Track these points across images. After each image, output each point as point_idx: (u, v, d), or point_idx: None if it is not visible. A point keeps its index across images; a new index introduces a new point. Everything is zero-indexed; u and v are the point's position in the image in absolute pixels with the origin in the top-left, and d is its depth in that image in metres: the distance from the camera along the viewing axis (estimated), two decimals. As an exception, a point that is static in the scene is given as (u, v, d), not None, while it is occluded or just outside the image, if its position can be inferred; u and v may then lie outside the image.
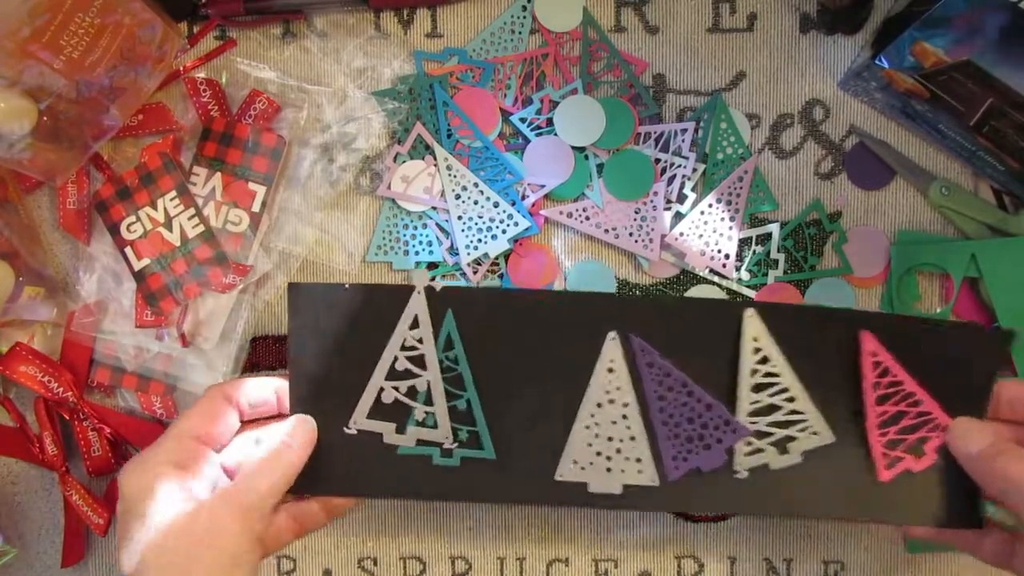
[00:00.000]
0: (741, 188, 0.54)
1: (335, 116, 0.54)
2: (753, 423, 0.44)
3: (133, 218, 0.52)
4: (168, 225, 0.52)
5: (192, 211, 0.52)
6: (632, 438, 0.45)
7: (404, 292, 0.45)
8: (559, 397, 0.45)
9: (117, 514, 0.40)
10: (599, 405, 0.45)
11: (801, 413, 0.45)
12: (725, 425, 0.44)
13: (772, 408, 0.45)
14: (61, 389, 0.53)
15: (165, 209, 0.52)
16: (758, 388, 0.44)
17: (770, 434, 0.45)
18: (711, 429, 0.44)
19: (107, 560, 0.57)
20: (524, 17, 0.55)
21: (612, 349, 0.45)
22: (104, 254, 0.54)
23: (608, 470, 0.45)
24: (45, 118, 0.48)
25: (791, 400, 0.44)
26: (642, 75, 0.55)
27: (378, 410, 0.45)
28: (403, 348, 0.45)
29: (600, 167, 0.55)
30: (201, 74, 0.54)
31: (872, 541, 0.55)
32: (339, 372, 0.46)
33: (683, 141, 0.54)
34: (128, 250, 0.53)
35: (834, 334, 0.45)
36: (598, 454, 0.45)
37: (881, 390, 0.44)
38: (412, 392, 0.45)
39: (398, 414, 0.45)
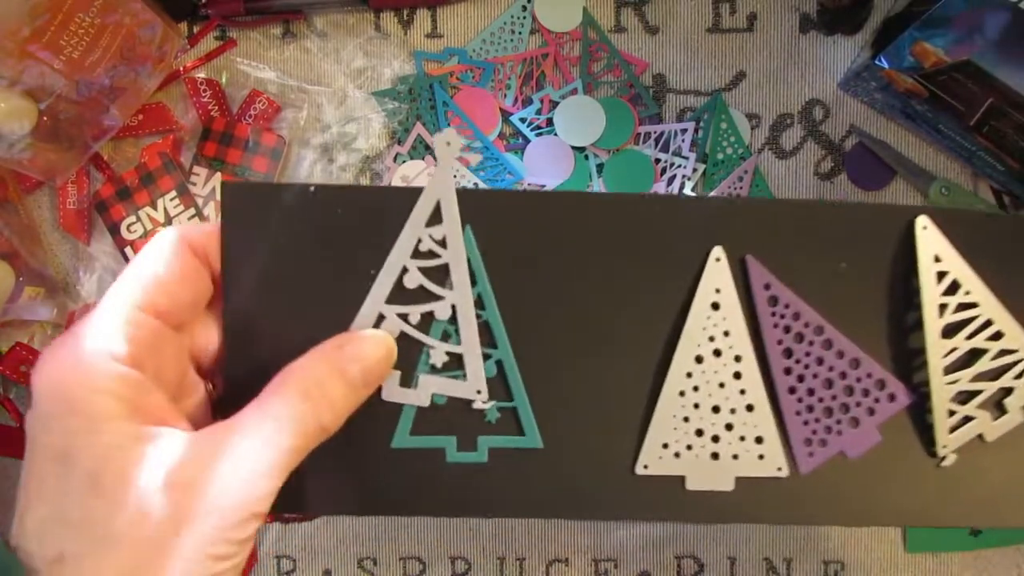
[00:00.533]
0: (741, 188, 0.54)
1: (335, 116, 0.54)
2: (952, 382, 0.32)
3: (133, 218, 0.52)
4: (168, 225, 0.52)
5: (192, 211, 0.52)
6: (749, 407, 0.32)
7: (404, 195, 0.31)
8: (635, 350, 0.32)
9: (26, 429, 0.27)
10: (699, 359, 0.32)
11: (1014, 352, 0.32)
12: (879, 388, 0.32)
13: (974, 355, 0.32)
14: (61, 389, 0.53)
15: (165, 209, 0.52)
16: (951, 330, 0.32)
17: (976, 393, 0.32)
18: (859, 396, 0.32)
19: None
20: (524, 17, 0.55)
21: (718, 275, 0.32)
22: (104, 254, 0.54)
23: (715, 456, 0.32)
24: (45, 118, 0.48)
25: (997, 337, 0.32)
26: (642, 75, 0.55)
27: None
28: (416, 255, 0.31)
29: (600, 167, 0.55)
30: (201, 74, 0.54)
31: (872, 541, 0.55)
32: (299, 315, 0.31)
33: (683, 141, 0.54)
34: (128, 250, 0.53)
35: None
36: (699, 433, 0.32)
37: None
38: (426, 322, 0.31)
39: (403, 357, 0.31)
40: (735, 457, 0.32)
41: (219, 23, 0.55)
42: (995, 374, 0.32)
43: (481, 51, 0.55)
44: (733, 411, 0.32)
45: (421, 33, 0.55)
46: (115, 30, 0.47)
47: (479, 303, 0.32)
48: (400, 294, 0.31)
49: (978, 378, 0.32)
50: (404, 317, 0.32)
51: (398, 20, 0.55)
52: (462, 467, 0.32)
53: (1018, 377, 0.32)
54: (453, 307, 0.31)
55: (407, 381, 0.32)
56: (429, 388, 0.32)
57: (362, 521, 0.56)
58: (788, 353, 0.32)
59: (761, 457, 0.32)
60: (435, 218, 0.31)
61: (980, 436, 0.32)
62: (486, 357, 0.32)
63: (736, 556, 0.55)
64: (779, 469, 0.32)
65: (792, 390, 0.32)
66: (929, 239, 0.32)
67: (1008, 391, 0.33)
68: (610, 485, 0.32)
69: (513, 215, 0.32)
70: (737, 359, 0.32)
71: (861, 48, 0.54)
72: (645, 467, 0.32)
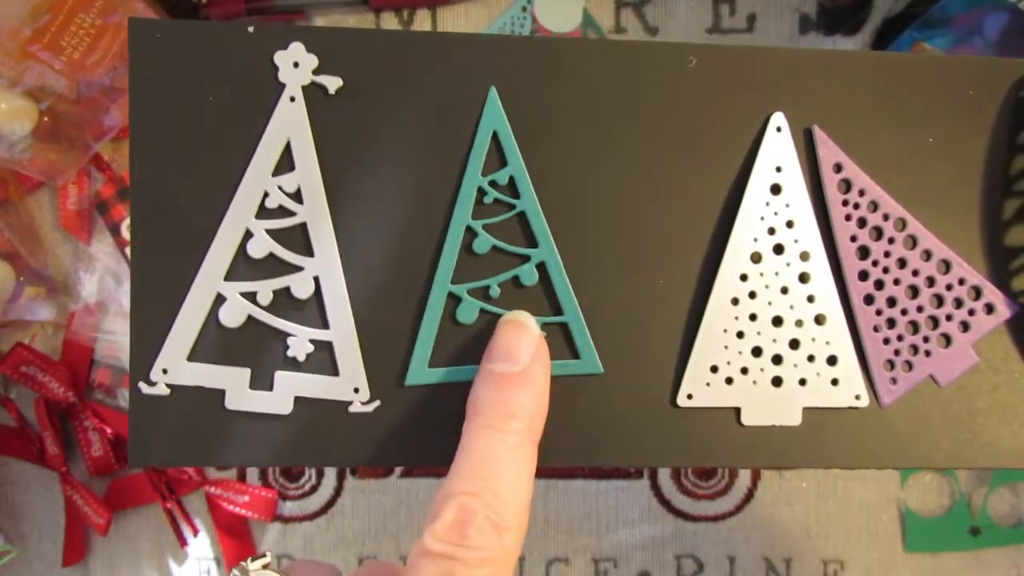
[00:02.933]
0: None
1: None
2: None
3: (134, 218, 0.52)
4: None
5: (192, 211, 0.52)
6: (819, 319, 0.25)
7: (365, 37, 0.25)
8: (679, 247, 0.26)
9: None
10: (755, 258, 0.25)
11: None
12: (973, 297, 0.26)
13: None
14: (62, 389, 0.53)
15: (165, 209, 0.52)
16: None
17: None
18: (950, 307, 0.25)
19: (108, 560, 0.57)
20: (524, 17, 0.55)
21: (779, 149, 0.25)
22: (105, 254, 0.54)
23: (776, 382, 0.25)
24: (46, 118, 0.48)
25: None
26: (642, 75, 0.55)
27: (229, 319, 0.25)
28: (263, 213, 0.25)
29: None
30: (201, 75, 0.54)
31: (872, 541, 0.55)
32: (215, 187, 0.25)
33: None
34: (129, 250, 0.53)
35: None
36: (756, 352, 0.25)
37: None
38: (281, 303, 0.25)
39: (252, 351, 0.25)
40: (802, 383, 0.25)
41: (219, 23, 0.55)
42: None
43: (481, 51, 0.55)
44: (799, 323, 0.25)
45: (421, 33, 0.55)
46: (116, 31, 0.47)
47: (512, 189, 0.26)
48: (244, 266, 0.25)
49: None
50: (251, 297, 0.25)
51: (398, 20, 0.55)
52: None
53: None
54: (316, 280, 0.25)
55: (260, 381, 0.25)
56: (289, 390, 0.25)
57: (362, 521, 0.56)
58: (863, 253, 0.25)
59: (835, 383, 0.25)
60: (285, 164, 0.25)
61: None
62: (523, 260, 0.26)
63: (736, 556, 0.55)
64: (857, 398, 0.25)
65: (869, 299, 0.25)
66: None
67: None
68: (646, 421, 0.26)
69: (541, 69, 0.26)
70: (804, 257, 0.25)
71: (860, 49, 0.54)
72: (689, 397, 0.26)
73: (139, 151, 0.26)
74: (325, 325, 0.25)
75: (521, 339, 0.25)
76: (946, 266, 0.26)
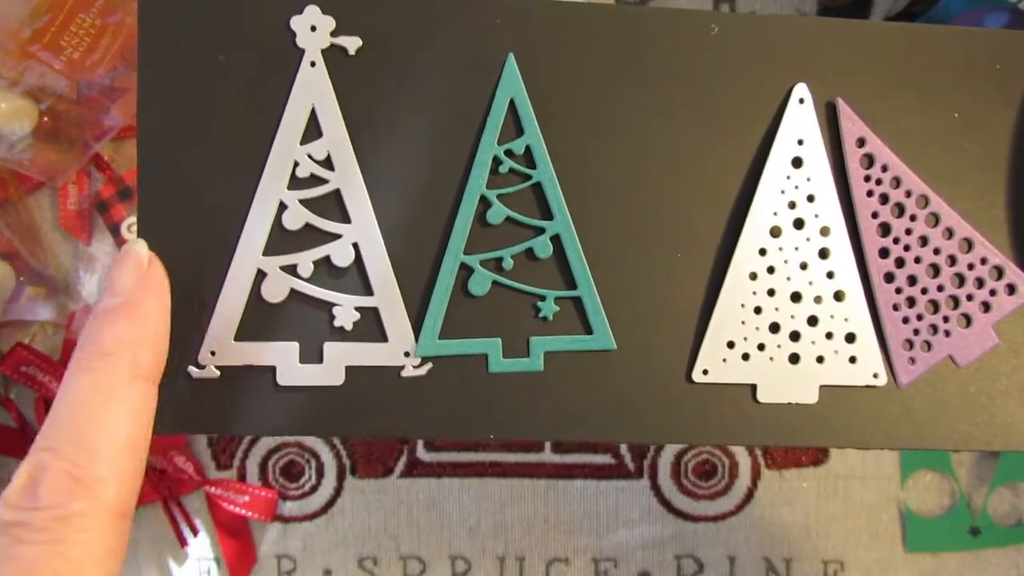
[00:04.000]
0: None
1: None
2: None
3: (134, 218, 0.52)
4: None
5: (192, 211, 0.52)
6: (838, 295, 0.25)
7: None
8: (698, 219, 0.26)
9: None
10: (775, 232, 0.25)
11: None
12: (996, 278, 0.25)
13: None
14: (62, 389, 0.53)
15: (165, 209, 0.52)
16: None
17: None
18: (971, 286, 0.25)
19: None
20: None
21: (801, 121, 0.25)
22: (105, 254, 0.54)
23: (794, 359, 0.25)
24: (46, 118, 0.48)
25: None
26: (642, 76, 0.55)
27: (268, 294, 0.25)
28: (295, 184, 0.25)
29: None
30: (201, 75, 0.54)
31: (872, 541, 0.55)
32: (219, 151, 0.25)
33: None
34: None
35: None
36: (774, 328, 0.25)
37: None
38: (322, 273, 0.25)
39: (298, 324, 0.25)
40: (819, 360, 0.25)
41: (219, 24, 0.55)
42: None
43: (481, 51, 0.55)
44: (818, 300, 0.25)
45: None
46: (116, 30, 0.47)
47: (528, 159, 0.25)
48: (281, 239, 0.25)
49: None
50: (291, 270, 0.25)
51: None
52: (510, 378, 0.25)
53: None
54: (355, 246, 0.25)
55: (309, 354, 0.25)
56: (339, 360, 0.25)
57: (362, 521, 0.56)
58: (885, 230, 0.25)
59: (852, 361, 0.25)
60: (312, 131, 0.25)
61: None
62: (537, 232, 0.25)
63: (736, 556, 0.55)
64: (875, 376, 0.25)
65: (889, 277, 0.25)
66: None
67: None
68: (660, 397, 0.25)
69: (561, 36, 0.25)
70: (824, 232, 0.25)
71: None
72: (705, 372, 0.25)
73: (149, 131, 0.25)
74: (369, 291, 0.25)
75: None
76: (968, 245, 0.25)
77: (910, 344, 0.26)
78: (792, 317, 0.25)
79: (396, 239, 0.25)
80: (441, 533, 0.56)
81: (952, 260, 0.25)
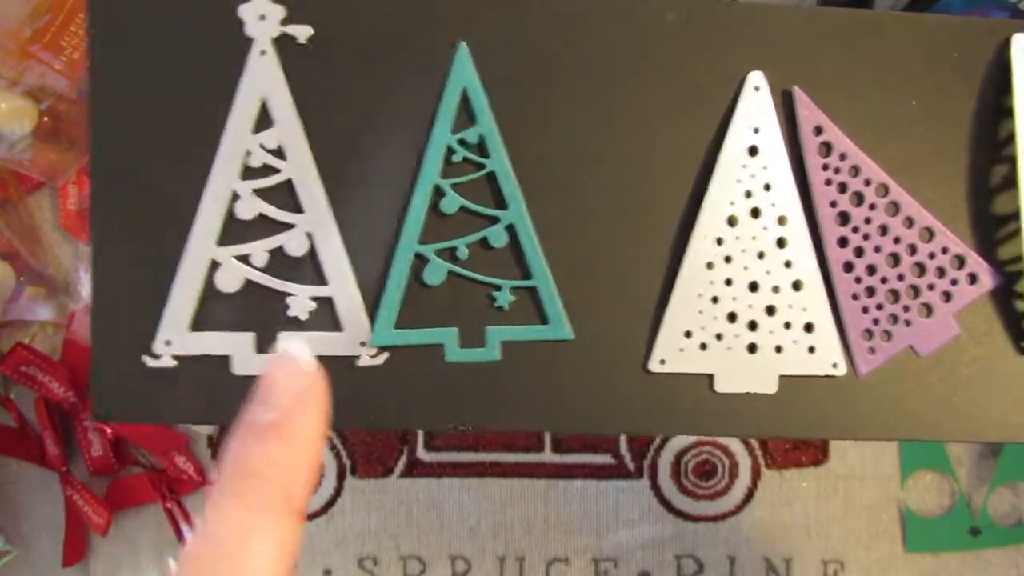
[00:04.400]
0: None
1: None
2: None
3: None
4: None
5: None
6: (796, 284, 0.25)
7: None
8: (655, 208, 0.25)
9: None
10: (731, 221, 0.25)
11: None
12: (956, 267, 0.25)
13: None
14: (62, 389, 0.53)
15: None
16: None
17: None
18: (932, 276, 0.25)
19: (108, 560, 0.57)
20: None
21: (757, 109, 0.25)
22: (105, 254, 0.54)
23: (752, 348, 0.25)
24: (46, 118, 0.48)
25: None
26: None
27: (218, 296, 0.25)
28: (248, 174, 0.25)
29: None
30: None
31: (872, 541, 0.55)
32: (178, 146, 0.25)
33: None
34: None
35: None
36: (731, 317, 0.25)
37: None
38: (277, 262, 0.25)
39: (254, 313, 0.25)
40: (778, 350, 0.25)
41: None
42: None
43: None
44: (776, 289, 0.25)
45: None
46: (116, 31, 0.47)
47: (481, 148, 0.25)
48: (235, 229, 0.24)
49: None
50: (245, 260, 0.24)
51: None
52: (466, 368, 0.25)
53: None
54: (309, 235, 0.25)
55: (265, 344, 0.25)
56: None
57: (362, 521, 0.56)
58: (844, 219, 0.24)
59: (811, 351, 0.25)
60: (264, 120, 0.24)
61: None
62: (492, 221, 0.25)
63: (736, 556, 0.55)
64: (834, 366, 0.25)
65: (849, 267, 0.24)
66: None
67: None
68: (617, 387, 0.25)
69: (514, 23, 0.25)
70: (781, 221, 0.24)
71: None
72: (662, 362, 0.25)
73: (100, 120, 0.24)
74: (323, 281, 0.25)
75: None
76: (929, 234, 0.25)
77: (870, 334, 0.25)
78: (750, 306, 0.25)
79: (351, 229, 0.25)
80: (441, 533, 0.56)
81: (913, 249, 0.25)
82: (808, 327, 0.25)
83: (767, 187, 0.25)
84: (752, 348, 0.25)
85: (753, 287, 0.25)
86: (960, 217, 0.25)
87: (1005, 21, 0.25)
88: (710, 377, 0.25)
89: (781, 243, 0.25)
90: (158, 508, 0.54)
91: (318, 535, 0.56)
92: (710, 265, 0.25)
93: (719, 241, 0.25)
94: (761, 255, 0.25)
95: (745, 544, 0.55)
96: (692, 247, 0.25)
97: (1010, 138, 0.24)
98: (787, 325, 0.25)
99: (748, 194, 0.25)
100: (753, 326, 0.25)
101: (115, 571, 0.56)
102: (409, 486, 0.55)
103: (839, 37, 0.25)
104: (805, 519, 0.55)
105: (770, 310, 0.25)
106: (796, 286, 0.25)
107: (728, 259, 0.25)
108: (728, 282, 0.25)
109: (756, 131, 0.25)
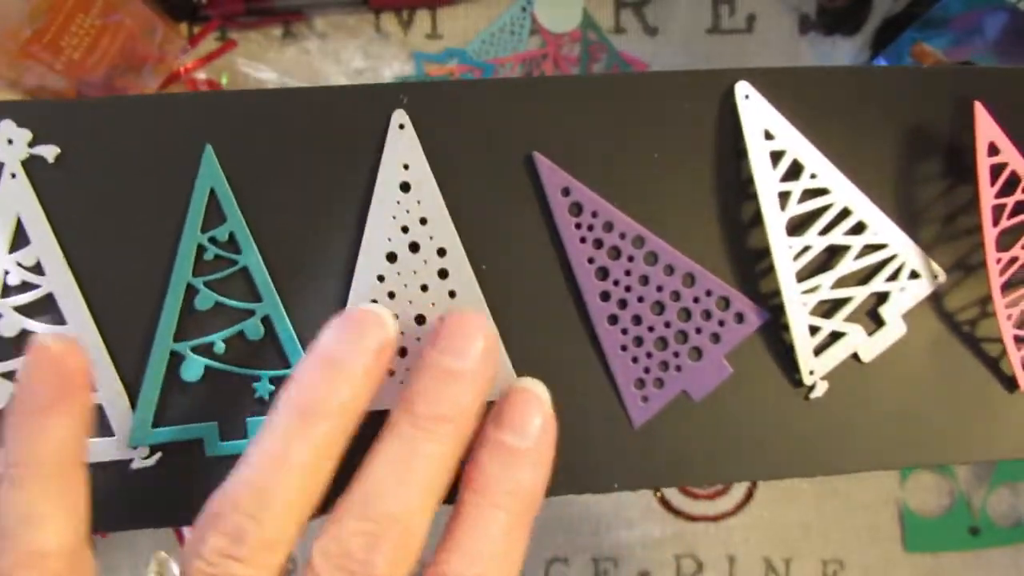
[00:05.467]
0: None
1: (335, 117, 0.54)
2: (809, 290, 0.25)
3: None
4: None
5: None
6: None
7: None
8: (333, 260, 0.26)
9: None
10: (391, 257, 0.26)
11: (882, 247, 0.25)
12: (722, 308, 0.25)
13: (833, 254, 0.25)
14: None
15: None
16: (798, 225, 0.25)
17: (843, 302, 0.25)
18: (699, 319, 0.25)
19: (108, 559, 0.57)
20: (524, 18, 0.55)
21: (404, 147, 0.25)
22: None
23: None
24: (46, 119, 0.48)
25: (858, 230, 0.25)
26: (642, 76, 0.55)
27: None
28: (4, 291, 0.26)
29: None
30: (202, 75, 0.54)
31: (872, 541, 0.55)
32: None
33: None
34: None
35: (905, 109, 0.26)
36: (402, 352, 0.26)
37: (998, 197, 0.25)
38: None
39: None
40: None
41: (220, 24, 0.55)
42: (863, 277, 0.25)
43: (481, 52, 0.55)
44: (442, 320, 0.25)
45: (421, 34, 0.55)
46: (116, 31, 0.47)
47: (232, 244, 0.26)
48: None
49: (842, 283, 0.25)
50: (9, 377, 0.25)
51: (398, 21, 0.55)
52: (232, 460, 0.23)
53: (893, 278, 0.25)
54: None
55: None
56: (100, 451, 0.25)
57: (362, 521, 0.56)
58: (603, 273, 0.25)
59: None
60: (22, 240, 0.25)
61: (855, 356, 0.26)
62: (248, 314, 0.26)
63: (736, 556, 0.56)
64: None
65: (614, 319, 0.25)
66: (755, 111, 0.25)
67: (883, 297, 0.25)
68: None
69: (255, 123, 0.26)
70: (441, 253, 0.25)
71: (860, 49, 0.54)
72: None
73: None
74: (92, 388, 0.25)
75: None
76: (691, 279, 0.25)
77: (642, 383, 0.25)
78: (418, 339, 0.25)
79: (113, 333, 0.25)
80: (440, 533, 0.56)
81: (677, 295, 0.25)
82: None
83: (423, 221, 0.25)
84: None
85: (420, 320, 0.25)
86: (720, 259, 0.26)
87: (725, 71, 0.26)
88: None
89: (443, 274, 0.25)
90: (158, 508, 0.54)
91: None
92: (374, 303, 0.25)
93: (381, 278, 0.25)
94: (425, 288, 0.25)
95: (745, 544, 0.56)
96: (354, 287, 0.26)
97: (751, 178, 0.25)
98: None
99: (404, 229, 0.25)
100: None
101: (115, 571, 0.56)
102: (409, 486, 0.55)
103: (574, 103, 0.26)
104: (805, 519, 0.55)
105: None
106: None
107: (392, 295, 0.25)
108: (395, 317, 0.25)
109: (406, 167, 0.25)
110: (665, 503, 0.55)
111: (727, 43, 0.55)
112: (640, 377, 0.25)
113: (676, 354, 0.25)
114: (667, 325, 0.25)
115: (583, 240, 0.25)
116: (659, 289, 0.25)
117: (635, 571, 0.56)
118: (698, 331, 0.25)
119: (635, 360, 0.25)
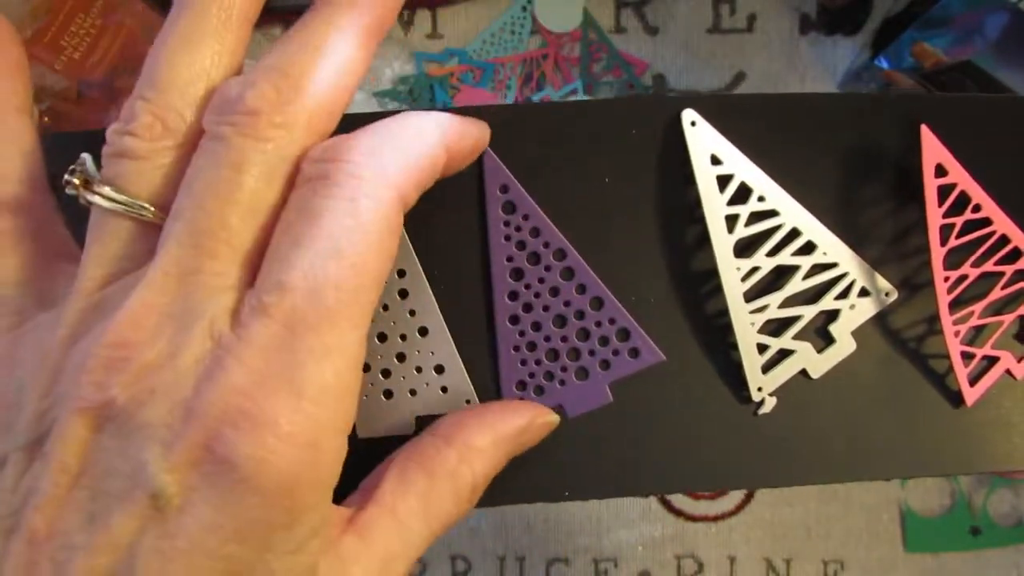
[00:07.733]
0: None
1: (335, 117, 0.54)
2: (758, 309, 0.26)
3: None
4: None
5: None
6: (422, 331, 0.26)
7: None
8: None
9: None
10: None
11: (832, 266, 0.26)
12: (621, 339, 0.26)
13: (782, 274, 0.26)
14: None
15: (165, 210, 0.52)
16: (747, 247, 0.26)
17: (792, 320, 0.26)
18: (594, 343, 0.26)
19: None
20: (524, 18, 0.55)
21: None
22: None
23: (388, 394, 0.26)
24: (46, 119, 0.48)
25: (808, 250, 0.26)
26: (642, 76, 0.55)
27: None
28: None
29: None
30: (202, 75, 0.54)
31: (872, 541, 0.55)
32: None
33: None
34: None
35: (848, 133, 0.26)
36: (366, 368, 0.26)
37: (944, 217, 0.25)
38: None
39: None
40: (412, 393, 0.26)
41: (219, 24, 0.55)
42: (812, 295, 0.26)
43: (481, 52, 0.55)
44: (403, 337, 0.26)
45: (421, 33, 0.55)
46: (116, 31, 0.47)
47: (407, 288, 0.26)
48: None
49: (790, 302, 0.26)
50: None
51: (398, 20, 0.55)
52: None
53: (842, 296, 0.26)
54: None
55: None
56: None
57: (362, 521, 0.56)
58: (518, 274, 0.26)
59: (444, 391, 0.26)
60: None
61: (804, 372, 0.26)
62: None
63: (736, 556, 0.56)
64: (468, 402, 0.26)
65: (515, 319, 0.26)
66: (701, 137, 0.25)
67: (833, 315, 0.26)
68: None
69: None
70: (401, 275, 0.26)
71: (861, 49, 0.54)
72: None
73: None
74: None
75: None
76: (599, 303, 0.26)
77: (523, 385, 0.26)
78: (380, 356, 0.26)
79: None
80: (441, 533, 0.56)
81: (581, 315, 0.26)
82: (439, 369, 0.26)
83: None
84: (388, 394, 0.26)
85: (382, 337, 0.26)
86: (668, 280, 0.26)
87: (672, 98, 0.26)
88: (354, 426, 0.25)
89: (403, 294, 0.26)
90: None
91: (318, 535, 0.56)
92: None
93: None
94: (386, 307, 0.26)
95: (745, 544, 0.56)
96: None
97: (698, 202, 0.26)
98: (418, 369, 0.26)
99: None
100: (386, 373, 0.26)
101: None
102: (409, 486, 0.55)
103: (521, 129, 0.26)
104: (805, 519, 0.55)
105: (400, 357, 0.26)
106: (422, 332, 0.26)
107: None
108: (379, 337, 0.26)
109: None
110: (665, 503, 0.55)
111: (727, 43, 0.55)
112: (523, 380, 0.26)
113: (564, 368, 0.26)
114: (563, 339, 0.26)
115: (507, 238, 0.26)
116: (566, 304, 0.26)
117: (635, 571, 0.56)
118: (591, 353, 0.26)
119: (523, 363, 0.26)
